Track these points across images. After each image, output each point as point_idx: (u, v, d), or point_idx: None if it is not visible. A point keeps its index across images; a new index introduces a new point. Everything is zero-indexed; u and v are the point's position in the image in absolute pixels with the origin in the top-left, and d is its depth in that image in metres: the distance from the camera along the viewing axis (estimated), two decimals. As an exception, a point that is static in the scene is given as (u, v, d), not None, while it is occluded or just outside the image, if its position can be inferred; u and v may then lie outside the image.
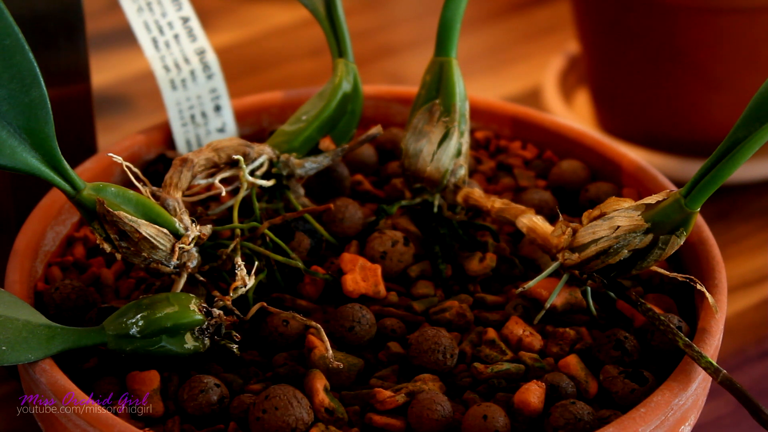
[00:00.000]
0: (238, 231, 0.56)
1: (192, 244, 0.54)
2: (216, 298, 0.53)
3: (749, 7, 0.80)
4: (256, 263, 0.55)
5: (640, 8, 0.83)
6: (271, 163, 0.58)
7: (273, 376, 0.52)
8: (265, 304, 0.53)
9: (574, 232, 0.54)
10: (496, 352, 0.53)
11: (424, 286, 0.56)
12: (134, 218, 0.52)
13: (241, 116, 0.66)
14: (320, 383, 0.51)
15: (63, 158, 0.51)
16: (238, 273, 0.53)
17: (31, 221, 0.58)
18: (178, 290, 0.53)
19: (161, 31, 0.63)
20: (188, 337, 0.52)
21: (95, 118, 0.69)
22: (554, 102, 0.92)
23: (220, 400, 0.51)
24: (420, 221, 0.59)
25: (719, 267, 0.56)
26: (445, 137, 0.58)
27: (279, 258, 0.56)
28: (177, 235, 0.53)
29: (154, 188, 0.55)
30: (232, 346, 0.52)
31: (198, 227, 0.54)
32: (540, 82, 0.96)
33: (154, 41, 0.63)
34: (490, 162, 0.65)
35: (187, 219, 0.54)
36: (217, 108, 0.65)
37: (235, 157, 0.57)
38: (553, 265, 0.54)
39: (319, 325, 0.52)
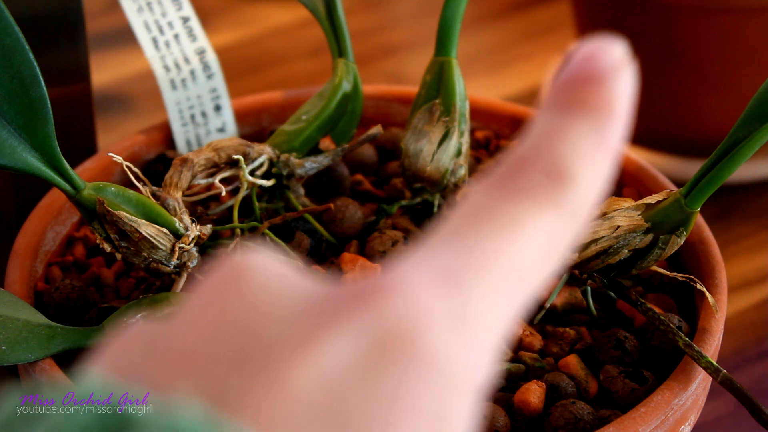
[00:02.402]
0: (238, 231, 0.56)
1: (192, 244, 0.54)
2: (216, 298, 0.53)
3: (749, 7, 0.80)
4: (256, 263, 0.55)
5: (640, 8, 0.83)
6: (271, 163, 0.58)
7: (273, 376, 0.52)
8: (265, 304, 0.53)
9: (574, 232, 0.54)
10: (496, 352, 0.53)
11: (424, 286, 0.56)
12: (134, 218, 0.52)
13: (241, 116, 0.66)
14: (320, 383, 0.51)
15: (63, 158, 0.51)
16: (238, 273, 0.53)
17: (31, 221, 0.58)
18: (178, 290, 0.53)
19: (161, 31, 0.63)
20: (188, 337, 0.52)
21: (95, 118, 0.69)
22: (554, 102, 0.92)
23: (220, 400, 0.51)
24: (420, 221, 0.59)
25: (719, 267, 0.56)
26: (445, 137, 0.58)
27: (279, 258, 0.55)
28: (177, 235, 0.53)
29: (154, 188, 0.55)
30: (232, 346, 0.52)
31: (198, 227, 0.54)
32: (540, 82, 0.96)
33: (154, 41, 0.63)
34: (490, 162, 0.65)
35: (187, 219, 0.54)
36: (217, 108, 0.65)
37: (235, 156, 0.57)
38: (553, 265, 0.54)
39: (319, 325, 0.52)
